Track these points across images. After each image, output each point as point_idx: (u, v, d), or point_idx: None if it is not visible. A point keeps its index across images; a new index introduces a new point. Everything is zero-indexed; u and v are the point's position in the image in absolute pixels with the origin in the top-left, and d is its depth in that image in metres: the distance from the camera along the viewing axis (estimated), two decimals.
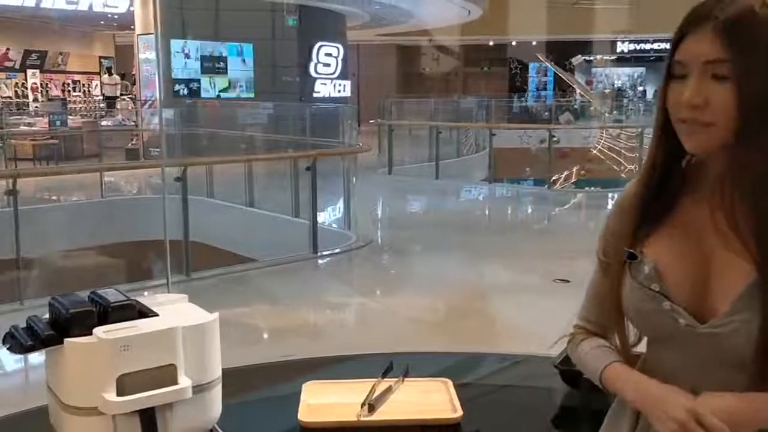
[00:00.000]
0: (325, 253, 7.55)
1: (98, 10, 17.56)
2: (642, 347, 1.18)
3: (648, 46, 27.88)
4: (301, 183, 8.19)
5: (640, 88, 29.89)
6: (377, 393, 1.61)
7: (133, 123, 16.47)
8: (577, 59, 29.43)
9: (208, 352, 1.16)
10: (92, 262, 8.52)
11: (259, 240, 8.49)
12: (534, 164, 13.93)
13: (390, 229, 9.43)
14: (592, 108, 23.58)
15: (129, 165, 12.32)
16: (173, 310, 1.17)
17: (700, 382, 1.05)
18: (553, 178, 12.70)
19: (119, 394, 1.05)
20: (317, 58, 16.78)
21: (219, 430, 1.20)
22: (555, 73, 29.03)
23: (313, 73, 16.77)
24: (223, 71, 15.80)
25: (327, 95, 16.87)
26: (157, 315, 1.12)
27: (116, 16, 18.41)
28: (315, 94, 16.66)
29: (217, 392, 1.18)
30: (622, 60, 29.95)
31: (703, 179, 1.11)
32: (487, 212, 11.11)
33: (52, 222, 8.29)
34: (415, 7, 18.00)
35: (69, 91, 22.03)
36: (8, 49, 20.39)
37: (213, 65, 15.62)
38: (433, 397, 1.63)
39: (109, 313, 1.09)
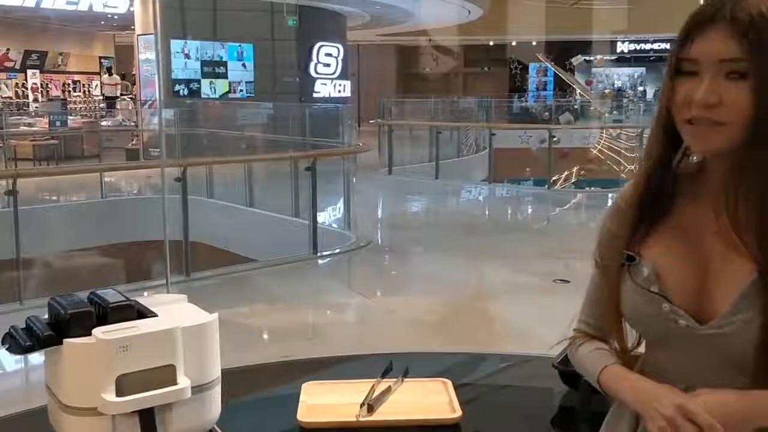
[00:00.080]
0: (325, 253, 7.55)
1: (98, 11, 17.56)
2: (641, 349, 1.18)
3: (648, 46, 27.89)
4: (301, 183, 8.20)
5: (640, 88, 29.88)
6: (376, 393, 1.61)
7: (133, 123, 16.47)
8: (577, 59, 29.45)
9: (208, 352, 1.16)
10: (92, 263, 8.53)
11: (259, 240, 8.50)
12: (534, 164, 13.93)
13: (390, 229, 9.43)
14: (592, 108, 23.59)
15: (129, 165, 12.32)
16: (172, 311, 1.17)
17: (699, 384, 1.04)
18: (553, 178, 12.70)
19: (118, 394, 1.05)
20: (317, 58, 16.79)
21: (218, 430, 1.20)
22: (555, 73, 29.05)
23: (313, 74, 16.78)
24: (224, 75, 15.82)
25: (327, 95, 16.88)
26: (156, 315, 1.12)
27: (116, 17, 18.41)
28: (315, 94, 16.67)
29: (216, 392, 1.18)
30: (622, 60, 29.96)
31: (701, 180, 1.10)
32: (487, 212, 11.11)
33: (52, 222, 8.30)
34: (415, 7, 18.00)
35: (69, 91, 22.05)
36: (8, 49, 20.40)
37: (213, 69, 15.64)
38: (433, 398, 1.63)
39: (108, 314, 1.09)
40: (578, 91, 28.02)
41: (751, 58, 0.99)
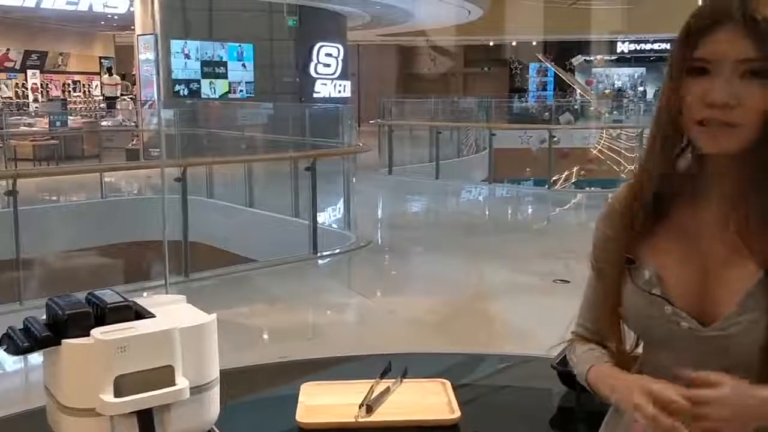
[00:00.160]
0: (325, 253, 7.55)
1: (98, 11, 17.57)
2: (639, 350, 1.18)
3: (648, 47, 27.89)
4: (301, 183, 8.20)
5: (641, 89, 29.88)
6: (375, 394, 1.61)
7: (133, 123, 16.48)
8: (578, 59, 29.45)
9: (206, 353, 1.16)
10: (92, 263, 8.53)
11: (259, 240, 8.50)
12: (534, 164, 13.93)
13: (390, 229, 9.43)
14: (592, 108, 23.58)
15: (129, 165, 12.33)
16: (171, 311, 1.17)
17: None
18: (554, 178, 12.70)
19: (117, 395, 1.05)
20: (317, 59, 16.79)
21: (217, 431, 1.20)
22: (555, 73, 29.06)
23: (313, 74, 16.78)
24: (224, 75, 15.82)
25: (327, 95, 16.88)
26: (154, 316, 1.12)
27: (116, 17, 18.42)
28: (315, 95, 16.67)
29: (215, 393, 1.18)
30: (623, 60, 29.96)
31: (700, 179, 1.09)
32: (487, 212, 11.11)
33: (52, 222, 8.29)
34: (415, 7, 18.01)
35: (69, 91, 22.05)
36: (8, 49, 20.40)
37: (213, 70, 15.64)
38: (431, 398, 1.62)
39: (106, 315, 1.09)
40: (578, 91, 28.03)
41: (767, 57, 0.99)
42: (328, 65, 17.09)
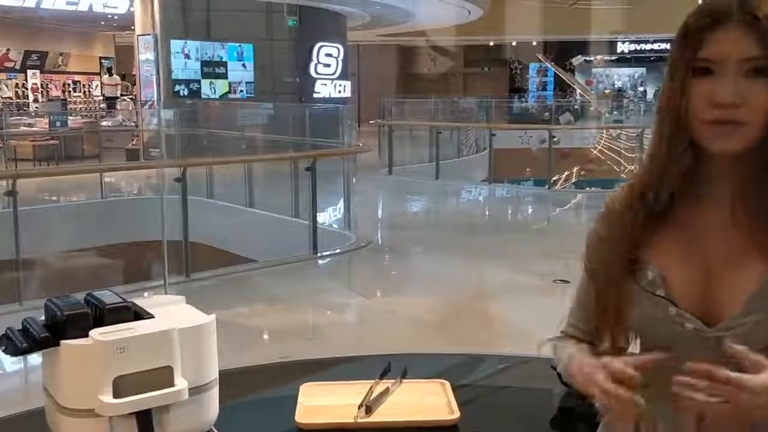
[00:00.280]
0: (325, 253, 7.55)
1: (98, 11, 17.57)
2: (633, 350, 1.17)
3: (648, 47, 27.88)
4: (301, 183, 8.19)
5: (641, 89, 29.88)
6: (374, 394, 1.61)
7: (133, 123, 16.48)
8: (578, 59, 29.45)
9: (205, 353, 1.16)
10: (92, 263, 8.53)
11: (259, 240, 8.50)
12: (534, 165, 13.93)
13: (390, 229, 9.43)
14: (592, 108, 23.58)
15: (129, 165, 12.33)
16: (170, 312, 1.17)
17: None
18: (554, 178, 12.70)
19: (116, 396, 1.05)
20: (317, 59, 16.79)
21: (216, 431, 1.20)
22: (555, 73, 29.05)
23: (313, 74, 16.78)
24: (224, 76, 15.82)
25: (327, 96, 16.88)
26: (153, 317, 1.12)
27: (116, 17, 18.42)
28: (315, 95, 16.67)
29: (214, 394, 1.18)
30: (623, 60, 29.96)
31: (701, 179, 1.09)
32: (487, 213, 11.11)
33: (52, 223, 8.29)
34: (415, 7, 18.01)
35: (69, 91, 22.05)
36: (8, 49, 20.40)
37: (213, 70, 15.64)
38: (431, 399, 1.62)
39: (104, 315, 1.09)
40: (578, 91, 28.03)
41: None
42: (328, 65, 17.09)
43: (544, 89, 29.89)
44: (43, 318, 1.11)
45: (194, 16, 15.06)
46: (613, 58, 29.79)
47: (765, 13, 1.00)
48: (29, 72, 20.98)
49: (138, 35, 15.71)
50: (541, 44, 28.24)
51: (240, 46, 15.80)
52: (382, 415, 1.56)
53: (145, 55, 15.42)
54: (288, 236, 8.00)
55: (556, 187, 12.67)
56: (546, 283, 6.22)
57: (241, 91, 16.03)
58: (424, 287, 6.58)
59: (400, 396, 1.64)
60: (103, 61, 22.99)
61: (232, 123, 13.51)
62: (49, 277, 7.20)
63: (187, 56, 15.31)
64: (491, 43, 28.47)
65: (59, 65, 21.84)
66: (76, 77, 22.45)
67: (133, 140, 14.81)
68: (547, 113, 19.34)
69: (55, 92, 21.69)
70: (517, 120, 18.98)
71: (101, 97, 21.43)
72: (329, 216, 9.25)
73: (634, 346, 1.18)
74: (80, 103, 21.60)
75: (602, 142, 16.84)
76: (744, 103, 1.00)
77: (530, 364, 1.95)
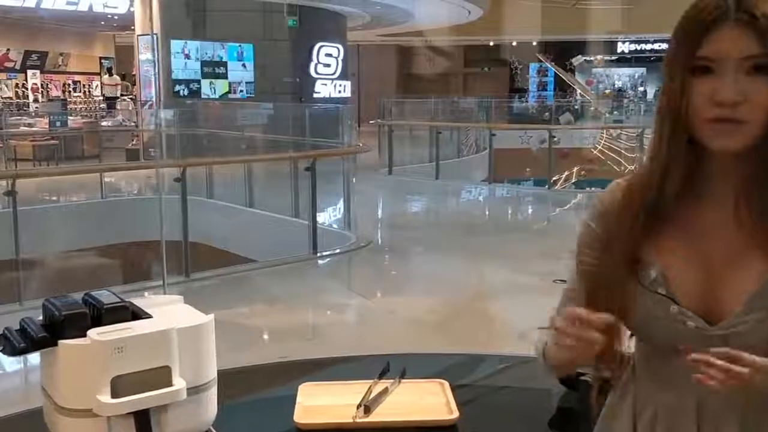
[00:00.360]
0: (325, 253, 7.55)
1: (98, 11, 17.57)
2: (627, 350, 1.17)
3: (648, 47, 27.88)
4: (301, 183, 8.19)
5: (641, 89, 29.88)
6: (373, 394, 1.61)
7: (133, 123, 16.48)
8: (578, 59, 29.46)
9: (203, 353, 1.16)
10: (92, 263, 8.53)
11: (259, 240, 8.50)
12: (534, 165, 13.92)
13: (390, 229, 9.43)
14: (592, 108, 23.58)
15: (128, 165, 12.33)
16: (168, 312, 1.17)
17: (706, 388, 1.01)
18: (554, 178, 12.69)
19: (114, 395, 1.05)
20: (317, 59, 16.79)
21: (214, 431, 1.20)
22: (555, 73, 29.06)
23: (313, 74, 16.78)
24: (224, 76, 15.82)
25: (327, 96, 16.88)
26: (151, 317, 1.12)
27: (116, 17, 18.42)
28: (315, 95, 16.67)
29: (212, 394, 1.18)
30: (623, 60, 29.96)
31: (702, 178, 1.08)
32: (487, 213, 11.11)
33: (52, 223, 8.29)
34: (415, 7, 18.00)
35: (69, 91, 22.04)
36: (8, 49, 20.40)
37: (213, 70, 15.64)
38: (430, 399, 1.62)
39: (102, 315, 1.08)
40: (578, 91, 28.03)
41: None
42: (328, 65, 17.09)
43: (544, 89, 29.89)
44: (41, 318, 1.11)
45: (194, 16, 15.05)
46: (613, 58, 29.79)
47: (762, 11, 1.00)
48: (29, 72, 20.98)
49: (138, 35, 15.72)
50: (541, 44, 28.23)
51: (240, 46, 15.80)
52: (380, 415, 1.55)
53: (145, 55, 15.43)
54: (288, 236, 8.00)
55: (556, 187, 12.66)
56: (546, 283, 6.20)
57: (241, 91, 16.02)
58: (423, 287, 6.57)
59: (399, 396, 1.64)
60: (103, 61, 22.99)
61: (232, 123, 13.50)
62: (48, 277, 7.20)
63: (187, 56, 15.31)
64: (491, 43, 28.47)
65: (59, 65, 21.84)
66: (76, 77, 22.45)
67: (133, 140, 14.81)
68: (547, 113, 19.33)
69: (55, 92, 21.69)
70: (517, 120, 18.96)
71: (101, 97, 21.43)
72: (329, 216, 9.25)
73: (629, 347, 1.18)
74: (80, 103, 21.60)
75: (602, 142, 16.84)
76: (745, 100, 1.00)
77: (530, 364, 1.94)
